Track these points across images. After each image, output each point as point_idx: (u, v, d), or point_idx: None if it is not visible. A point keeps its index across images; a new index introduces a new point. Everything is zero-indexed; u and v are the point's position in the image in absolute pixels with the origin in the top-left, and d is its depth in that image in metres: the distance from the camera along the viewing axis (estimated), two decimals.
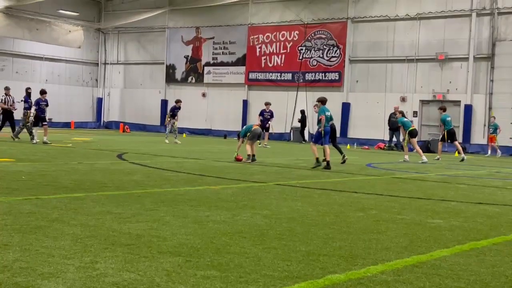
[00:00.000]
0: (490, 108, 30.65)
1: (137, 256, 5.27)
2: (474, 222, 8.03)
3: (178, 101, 27.61)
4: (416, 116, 32.40)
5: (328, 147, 16.31)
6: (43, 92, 22.63)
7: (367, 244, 6.23)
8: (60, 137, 26.81)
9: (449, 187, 12.88)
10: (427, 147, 29.17)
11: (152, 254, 5.36)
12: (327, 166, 15.98)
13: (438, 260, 5.67)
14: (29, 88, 24.99)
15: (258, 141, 17.52)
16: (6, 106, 23.46)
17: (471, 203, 10.08)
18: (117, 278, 4.54)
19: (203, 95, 40.63)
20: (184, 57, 41.61)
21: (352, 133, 34.49)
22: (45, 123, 22.31)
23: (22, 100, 24.04)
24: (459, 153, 23.89)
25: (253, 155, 17.08)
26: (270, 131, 27.92)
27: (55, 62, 42.70)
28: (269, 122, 27.46)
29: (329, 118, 16.45)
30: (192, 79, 41.41)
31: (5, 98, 23.73)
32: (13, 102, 23.71)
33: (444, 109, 23.63)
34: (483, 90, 30.93)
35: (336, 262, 5.38)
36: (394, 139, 30.47)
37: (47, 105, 22.46)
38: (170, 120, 27.17)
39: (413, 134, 21.37)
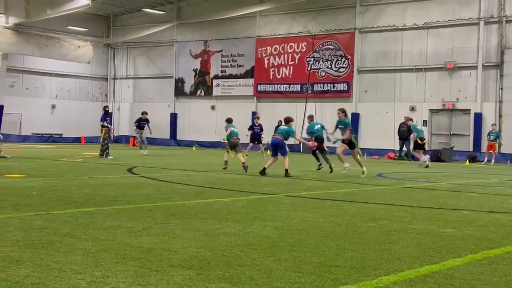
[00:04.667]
0: (500, 116, 30.54)
1: (148, 270, 5.27)
2: (487, 231, 7.97)
3: (144, 113, 27.38)
4: (426, 126, 32.31)
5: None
6: None
7: (379, 255, 6.20)
8: (70, 152, 26.92)
9: (461, 196, 12.81)
10: (437, 156, 29.06)
11: (163, 268, 5.35)
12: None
13: (451, 269, 5.63)
14: (106, 106, 25.00)
15: (245, 151, 18.67)
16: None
17: (483, 212, 10.01)
18: None
19: (212, 108, 40.74)
20: (193, 70, 41.78)
21: (362, 143, 34.39)
22: None
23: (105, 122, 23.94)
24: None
25: (243, 163, 17.76)
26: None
27: (65, 77, 42.99)
28: (262, 134, 28.92)
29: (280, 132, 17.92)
30: (201, 92, 41.54)
31: None
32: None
33: (411, 120, 26.35)
34: (493, 98, 30.83)
35: (348, 273, 5.36)
36: (404, 148, 30.38)
37: None
38: (138, 131, 26.84)
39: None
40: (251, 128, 29.36)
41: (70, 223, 7.64)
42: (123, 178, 14.96)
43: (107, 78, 46.12)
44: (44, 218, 7.97)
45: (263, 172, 16.74)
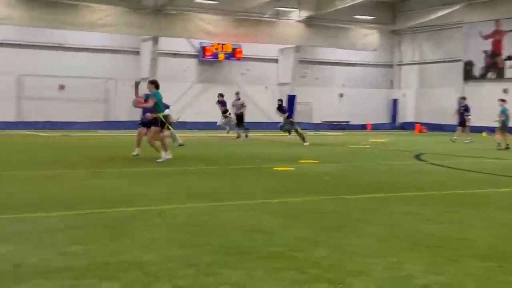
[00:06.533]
0: None
1: (443, 258, 5.12)
2: None
3: (221, 95, 26.41)
4: None
5: None
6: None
7: None
8: (357, 139, 27.54)
9: None
10: None
11: (459, 257, 5.16)
12: None
13: None
14: (280, 100, 25.52)
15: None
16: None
17: None
18: (425, 280, 4.46)
19: (504, 91, 38.12)
20: (483, 52, 39.57)
21: None
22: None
23: None
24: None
25: None
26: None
27: (350, 66, 44.10)
28: (466, 116, 27.33)
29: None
30: (492, 75, 39.18)
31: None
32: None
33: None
34: None
35: None
36: None
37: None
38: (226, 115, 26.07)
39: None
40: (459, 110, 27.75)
41: (360, 208, 7.81)
42: (410, 165, 14.79)
43: (392, 65, 46.13)
44: (336, 202, 8.26)
45: None
